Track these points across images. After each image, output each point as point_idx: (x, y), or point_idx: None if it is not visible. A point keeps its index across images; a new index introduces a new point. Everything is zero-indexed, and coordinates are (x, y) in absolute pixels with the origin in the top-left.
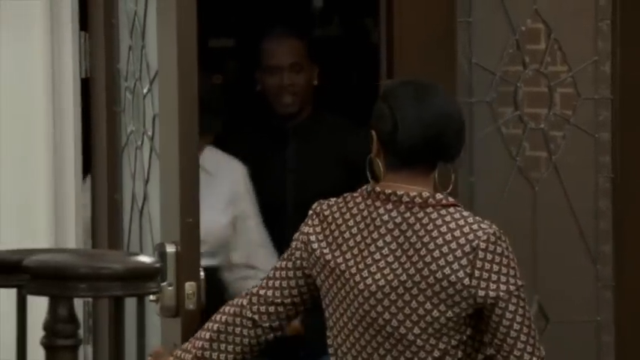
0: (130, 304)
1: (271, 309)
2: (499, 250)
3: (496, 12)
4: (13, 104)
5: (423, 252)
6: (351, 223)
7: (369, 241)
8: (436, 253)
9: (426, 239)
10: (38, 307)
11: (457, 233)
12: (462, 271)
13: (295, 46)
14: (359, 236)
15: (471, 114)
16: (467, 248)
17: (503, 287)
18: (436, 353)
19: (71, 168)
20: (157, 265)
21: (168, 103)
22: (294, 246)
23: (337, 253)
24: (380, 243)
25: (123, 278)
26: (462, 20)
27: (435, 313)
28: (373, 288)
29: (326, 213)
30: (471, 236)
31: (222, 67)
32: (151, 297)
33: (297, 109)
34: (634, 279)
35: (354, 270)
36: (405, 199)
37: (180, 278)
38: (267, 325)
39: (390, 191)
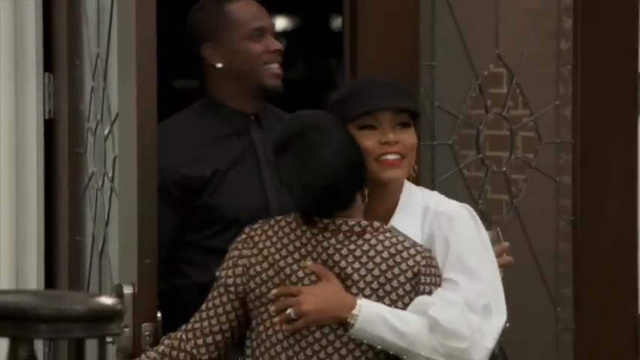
0: (90, 346)
1: (209, 340)
2: (434, 271)
3: (459, 56)
4: None
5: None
6: (291, 248)
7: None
8: (382, 279)
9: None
10: None
11: (398, 259)
12: (407, 297)
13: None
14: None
15: (434, 156)
16: (409, 274)
17: None
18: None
19: (33, 209)
20: (119, 306)
21: (127, 145)
22: (230, 273)
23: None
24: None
25: (84, 320)
26: (424, 64)
27: None
28: None
29: (256, 238)
30: (410, 262)
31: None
32: (108, 338)
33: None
34: (594, 322)
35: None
36: (357, 228)
37: (137, 319)
38: (205, 358)
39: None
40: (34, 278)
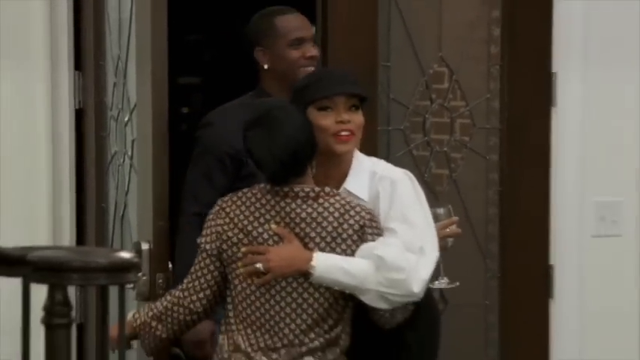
0: (112, 291)
1: (201, 295)
2: (375, 224)
3: (409, 58)
4: (20, 131)
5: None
6: (257, 214)
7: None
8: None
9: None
10: (37, 294)
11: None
12: (354, 246)
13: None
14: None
15: (389, 139)
16: (356, 227)
17: None
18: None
19: (67, 182)
20: (136, 259)
21: (144, 129)
22: (208, 240)
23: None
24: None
25: (107, 270)
26: (382, 64)
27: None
28: None
29: (227, 209)
30: (357, 217)
31: (189, 100)
32: (129, 285)
33: None
34: (515, 271)
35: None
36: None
37: (153, 270)
38: (201, 310)
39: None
40: (67, 237)
